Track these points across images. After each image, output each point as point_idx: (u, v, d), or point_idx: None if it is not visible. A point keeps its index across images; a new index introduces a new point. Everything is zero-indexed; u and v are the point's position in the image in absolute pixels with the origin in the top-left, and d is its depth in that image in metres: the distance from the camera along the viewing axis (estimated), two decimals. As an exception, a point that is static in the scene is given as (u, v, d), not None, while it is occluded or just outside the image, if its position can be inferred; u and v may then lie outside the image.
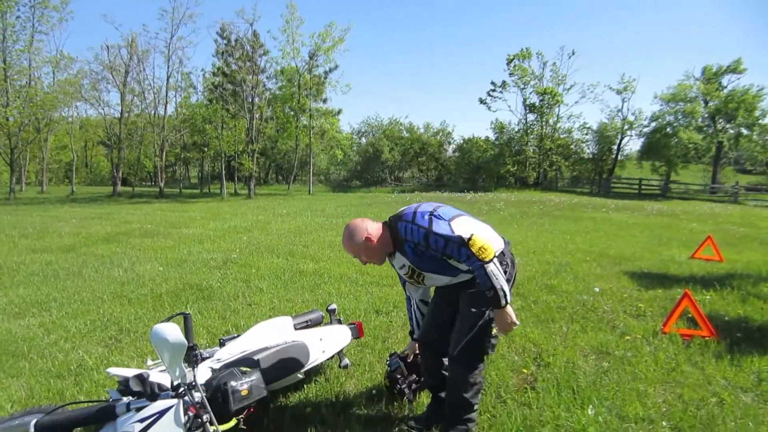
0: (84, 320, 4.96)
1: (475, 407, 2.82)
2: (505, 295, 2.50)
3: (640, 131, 41.07)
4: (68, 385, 3.46)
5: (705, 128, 38.55)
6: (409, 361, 3.21)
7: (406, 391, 3.14)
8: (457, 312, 2.81)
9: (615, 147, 41.91)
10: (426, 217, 2.58)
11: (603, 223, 14.06)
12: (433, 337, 2.95)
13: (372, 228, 2.70)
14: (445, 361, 2.91)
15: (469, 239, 2.45)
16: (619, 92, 40.41)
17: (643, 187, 35.48)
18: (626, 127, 40.62)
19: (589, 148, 43.70)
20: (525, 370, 3.73)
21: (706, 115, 38.55)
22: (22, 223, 14.26)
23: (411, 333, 3.23)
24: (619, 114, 41.08)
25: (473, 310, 2.69)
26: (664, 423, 2.99)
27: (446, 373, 2.90)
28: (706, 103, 38.48)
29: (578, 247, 9.55)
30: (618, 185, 38.03)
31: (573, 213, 17.12)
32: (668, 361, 3.89)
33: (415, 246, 2.60)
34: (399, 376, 3.15)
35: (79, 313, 5.21)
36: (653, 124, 39.84)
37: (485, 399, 3.25)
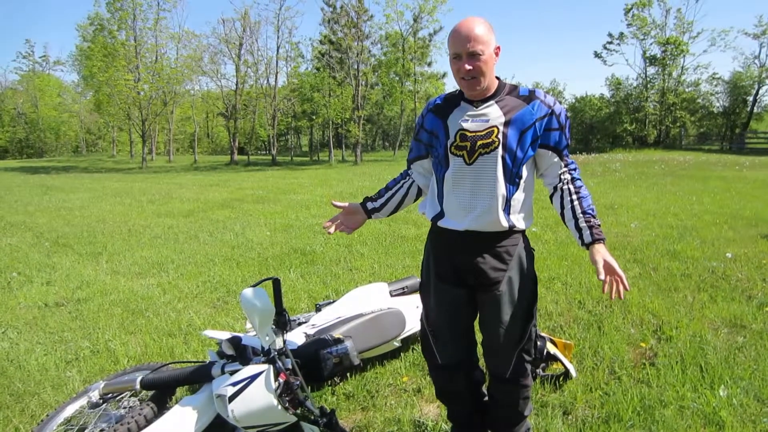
0: (196, 281, 5.22)
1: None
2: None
3: (782, 78, 36.28)
4: (178, 344, 3.63)
5: None
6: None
7: (540, 372, 2.90)
8: (472, 312, 2.18)
9: (750, 98, 37.39)
10: None
11: (735, 182, 12.63)
12: (462, 356, 2.23)
13: None
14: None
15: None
16: (756, 37, 35.70)
17: (784, 141, 31.54)
18: (764, 75, 35.98)
19: (719, 101, 39.30)
20: (643, 344, 3.39)
21: None
22: (151, 189, 15.48)
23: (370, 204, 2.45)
24: (756, 61, 36.42)
25: (522, 304, 2.06)
26: (816, 411, 2.55)
27: (485, 396, 2.36)
28: None
29: (706, 208, 8.63)
30: (753, 140, 33.90)
31: (700, 172, 15.57)
32: (820, 339, 3.36)
33: (536, 109, 1.92)
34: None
35: (192, 275, 5.51)
36: (798, 70, 34.99)
37: (597, 375, 2.99)
